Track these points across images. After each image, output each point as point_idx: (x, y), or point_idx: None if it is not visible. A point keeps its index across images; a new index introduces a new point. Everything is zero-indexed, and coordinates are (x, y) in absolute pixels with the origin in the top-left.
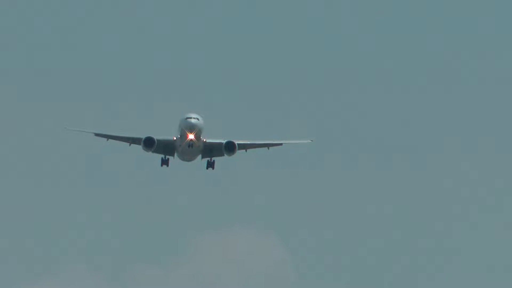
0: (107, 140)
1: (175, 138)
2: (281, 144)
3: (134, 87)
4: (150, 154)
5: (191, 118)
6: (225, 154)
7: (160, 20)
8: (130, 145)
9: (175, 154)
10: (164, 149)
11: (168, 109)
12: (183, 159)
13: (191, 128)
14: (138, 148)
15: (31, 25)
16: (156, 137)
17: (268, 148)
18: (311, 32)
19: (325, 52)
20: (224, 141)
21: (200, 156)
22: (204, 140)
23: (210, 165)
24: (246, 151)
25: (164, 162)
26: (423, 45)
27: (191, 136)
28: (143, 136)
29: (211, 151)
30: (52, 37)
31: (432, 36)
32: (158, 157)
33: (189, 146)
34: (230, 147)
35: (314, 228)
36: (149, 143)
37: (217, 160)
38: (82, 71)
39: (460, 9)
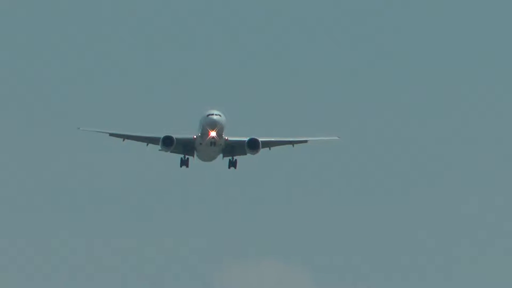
0: (123, 140)
1: (195, 137)
2: (306, 141)
3: (150, 84)
4: (168, 154)
5: (213, 114)
6: (248, 153)
7: (177, 14)
8: (147, 145)
9: (195, 154)
10: (184, 148)
11: (186, 107)
12: (203, 159)
13: (213, 125)
14: (156, 148)
15: (43, 23)
16: (175, 135)
17: (293, 146)
18: (336, 27)
19: (354, 46)
20: (247, 139)
21: (220, 155)
22: (226, 138)
23: (232, 164)
24: (270, 149)
25: (184, 162)
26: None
27: (213, 134)
28: (161, 135)
29: (232, 150)
30: (65, 35)
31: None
32: (177, 157)
33: (211, 144)
34: (253, 145)
35: (344, 231)
36: (168, 142)
37: (239, 159)
38: (95, 70)
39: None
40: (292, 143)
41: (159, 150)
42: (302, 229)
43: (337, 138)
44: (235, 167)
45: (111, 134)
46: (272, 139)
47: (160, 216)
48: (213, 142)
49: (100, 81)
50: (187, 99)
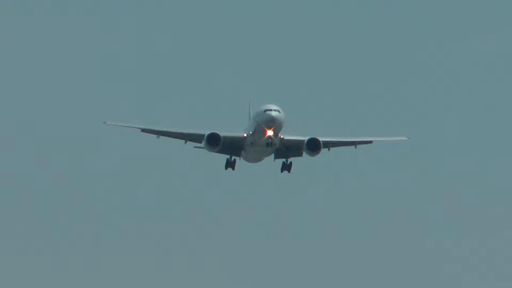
0: (158, 137)
1: (245, 135)
2: (371, 142)
3: (194, 74)
4: (211, 154)
5: (271, 110)
6: (305, 154)
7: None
8: (185, 143)
9: (241, 154)
10: (230, 148)
11: (233, 100)
12: (250, 160)
13: (272, 122)
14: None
15: (77, 18)
16: (222, 133)
17: (356, 147)
18: (400, 25)
19: (424, 43)
20: (306, 138)
21: (271, 156)
22: (282, 137)
23: (286, 167)
24: (329, 150)
25: (230, 164)
26: None
27: (270, 132)
28: (205, 131)
29: (287, 150)
30: (98, 30)
31: None
32: (220, 157)
33: (267, 145)
34: (314, 146)
35: (414, 242)
36: (213, 141)
37: (293, 161)
38: (127, 61)
39: None
40: (355, 143)
41: (195, 147)
42: (368, 240)
43: (406, 138)
44: (288, 171)
45: (143, 130)
46: (334, 139)
47: (200, 223)
48: (270, 142)
49: (133, 72)
50: (239, 93)
